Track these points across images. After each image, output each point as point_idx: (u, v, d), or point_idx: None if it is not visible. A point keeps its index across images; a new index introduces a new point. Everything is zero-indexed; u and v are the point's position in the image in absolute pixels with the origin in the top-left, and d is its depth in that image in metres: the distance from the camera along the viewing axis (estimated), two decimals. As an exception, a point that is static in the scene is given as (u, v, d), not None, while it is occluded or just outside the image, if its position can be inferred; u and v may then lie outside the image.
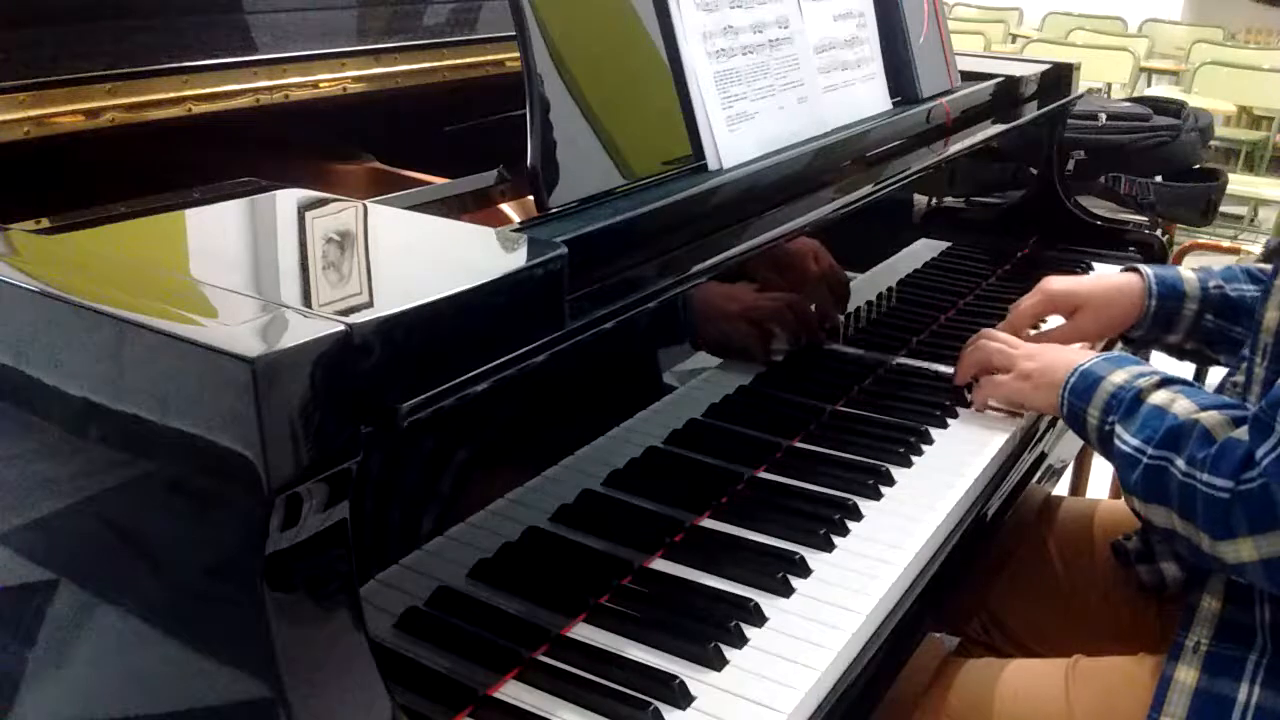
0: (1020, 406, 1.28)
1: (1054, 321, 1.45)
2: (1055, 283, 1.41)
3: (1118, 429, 1.05)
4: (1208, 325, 1.34)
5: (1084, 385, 1.12)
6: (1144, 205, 2.87)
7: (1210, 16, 7.12)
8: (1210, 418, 0.97)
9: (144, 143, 1.07)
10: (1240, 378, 1.13)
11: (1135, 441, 1.02)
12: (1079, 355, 1.18)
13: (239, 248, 0.83)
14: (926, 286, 1.59)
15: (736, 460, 1.15)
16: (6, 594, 0.76)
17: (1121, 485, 1.05)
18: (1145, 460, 1.00)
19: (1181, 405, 1.01)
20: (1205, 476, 0.94)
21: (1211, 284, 1.34)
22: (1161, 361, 1.47)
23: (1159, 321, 1.36)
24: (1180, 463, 0.96)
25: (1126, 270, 1.40)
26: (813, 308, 1.30)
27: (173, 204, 0.86)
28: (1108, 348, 1.51)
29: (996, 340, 1.31)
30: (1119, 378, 1.09)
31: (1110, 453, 1.06)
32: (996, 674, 1.12)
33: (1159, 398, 1.03)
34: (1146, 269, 1.38)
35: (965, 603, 1.36)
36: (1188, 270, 1.38)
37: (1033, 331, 1.44)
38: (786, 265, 1.21)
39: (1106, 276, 1.43)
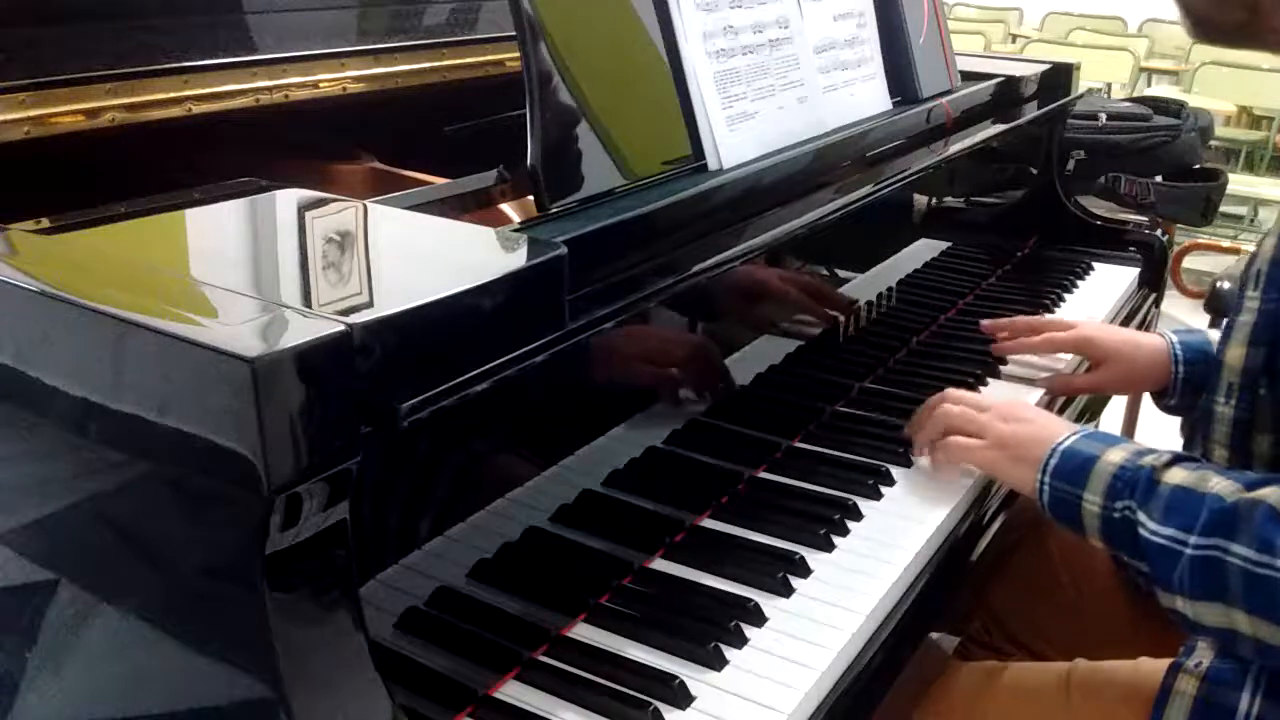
0: (990, 474, 1.14)
1: (1051, 360, 1.45)
2: (1093, 329, 1.41)
3: (1140, 516, 0.92)
4: None
5: (1071, 467, 0.99)
6: (1144, 205, 2.86)
7: (1210, 16, 7.10)
8: (1276, 494, 0.86)
9: (144, 143, 1.07)
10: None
11: (1169, 530, 0.90)
12: (1055, 427, 1.05)
13: (239, 248, 0.83)
14: (926, 286, 1.59)
15: (736, 460, 1.15)
16: (6, 594, 0.76)
17: (1156, 582, 0.92)
18: (1189, 551, 0.88)
19: (1221, 484, 0.89)
20: None
21: None
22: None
23: (1191, 387, 1.28)
24: (1241, 549, 0.85)
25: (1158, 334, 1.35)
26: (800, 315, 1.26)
27: (173, 204, 0.86)
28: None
29: (961, 403, 1.15)
30: (1117, 456, 0.97)
31: (1121, 542, 0.95)
32: (997, 676, 1.12)
33: (1180, 476, 0.92)
34: (1171, 335, 1.32)
35: (966, 603, 1.36)
36: (1215, 331, 1.27)
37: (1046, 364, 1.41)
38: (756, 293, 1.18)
39: (1137, 335, 1.41)
